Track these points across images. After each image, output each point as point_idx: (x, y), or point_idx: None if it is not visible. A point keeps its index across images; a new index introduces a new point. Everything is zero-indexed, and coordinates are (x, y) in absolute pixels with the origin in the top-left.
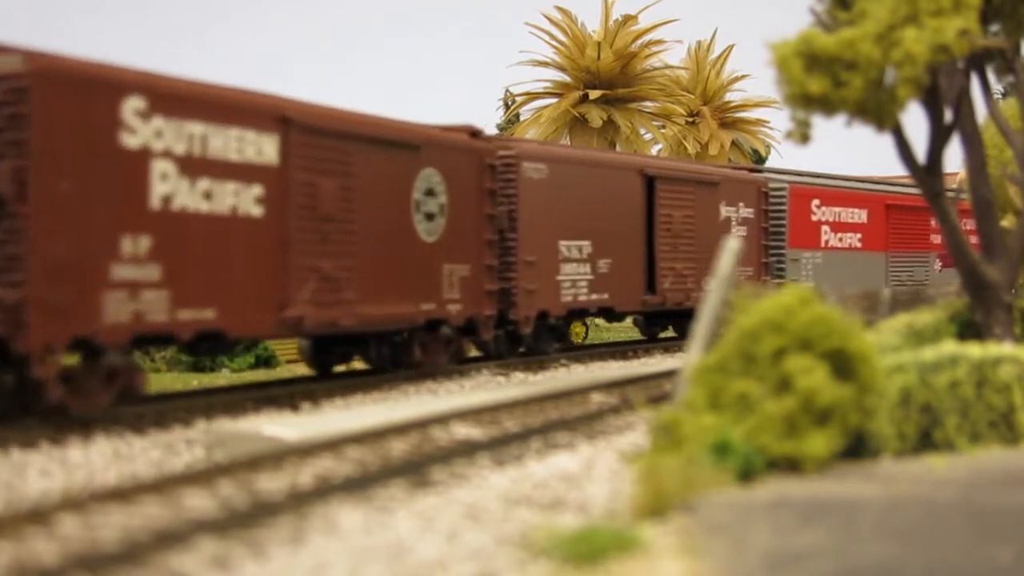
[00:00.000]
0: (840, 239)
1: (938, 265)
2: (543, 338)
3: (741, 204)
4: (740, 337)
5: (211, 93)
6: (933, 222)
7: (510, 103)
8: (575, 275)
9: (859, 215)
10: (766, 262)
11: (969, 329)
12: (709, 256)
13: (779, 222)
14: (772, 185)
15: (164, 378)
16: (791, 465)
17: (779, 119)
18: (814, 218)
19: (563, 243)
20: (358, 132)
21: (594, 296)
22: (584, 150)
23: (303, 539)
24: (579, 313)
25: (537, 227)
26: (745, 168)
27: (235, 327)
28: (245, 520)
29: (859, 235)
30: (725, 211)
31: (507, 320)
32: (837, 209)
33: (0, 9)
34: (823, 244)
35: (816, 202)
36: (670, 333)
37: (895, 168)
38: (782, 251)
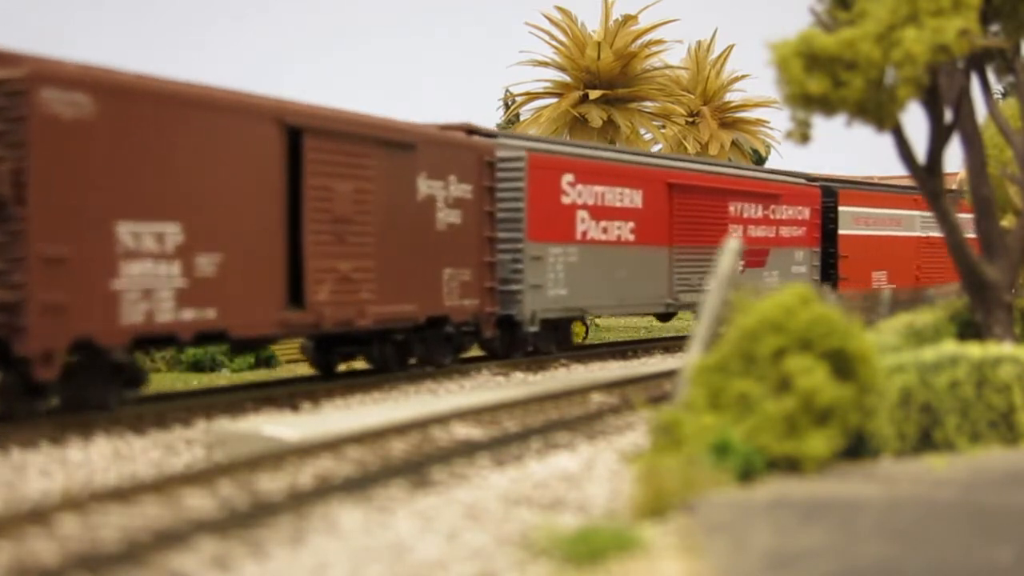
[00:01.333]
0: (605, 230)
1: (741, 264)
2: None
3: (453, 178)
4: (740, 337)
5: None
6: (734, 208)
7: (510, 103)
8: (151, 279)
9: (632, 197)
10: (492, 261)
11: (969, 329)
12: (400, 253)
13: (513, 204)
14: (503, 154)
15: (164, 378)
16: (791, 465)
17: (779, 119)
18: (566, 200)
19: (125, 226)
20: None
21: (188, 314)
22: (171, 82)
23: (303, 539)
24: (158, 342)
25: (72, 198)
26: (461, 128)
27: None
28: (245, 520)
29: (632, 224)
30: (426, 187)
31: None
32: (600, 189)
33: (0, 8)
34: (580, 236)
35: (569, 178)
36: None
37: (895, 168)
38: (518, 246)
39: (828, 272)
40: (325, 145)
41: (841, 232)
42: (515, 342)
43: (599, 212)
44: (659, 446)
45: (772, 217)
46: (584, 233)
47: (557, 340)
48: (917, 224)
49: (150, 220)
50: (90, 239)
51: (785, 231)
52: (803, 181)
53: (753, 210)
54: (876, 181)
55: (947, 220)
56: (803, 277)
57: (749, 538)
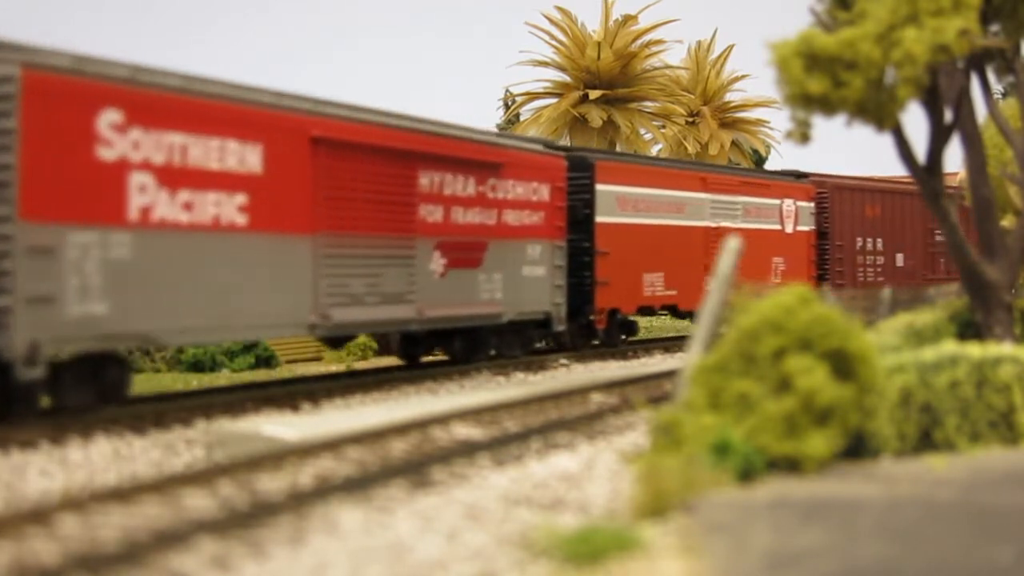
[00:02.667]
0: (187, 206)
1: (441, 264)
2: None
3: None
4: (740, 337)
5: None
6: (427, 180)
7: (510, 103)
8: None
9: (242, 156)
10: None
11: (969, 329)
12: None
13: None
14: None
15: (164, 378)
16: (791, 465)
17: (779, 119)
18: (108, 154)
19: None
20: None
21: None
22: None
23: (303, 539)
24: None
25: None
26: None
27: None
28: (245, 520)
29: (242, 199)
30: None
31: None
32: (177, 139)
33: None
34: (135, 216)
35: (113, 118)
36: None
37: (895, 168)
38: (2, 230)
39: (583, 276)
40: None
41: (600, 220)
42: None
43: (175, 177)
44: (659, 446)
45: (491, 196)
46: (145, 211)
47: (96, 391)
48: (707, 210)
49: None
50: None
51: (512, 217)
52: (540, 148)
53: (460, 184)
54: (656, 156)
55: (947, 220)
56: (540, 284)
57: (749, 538)
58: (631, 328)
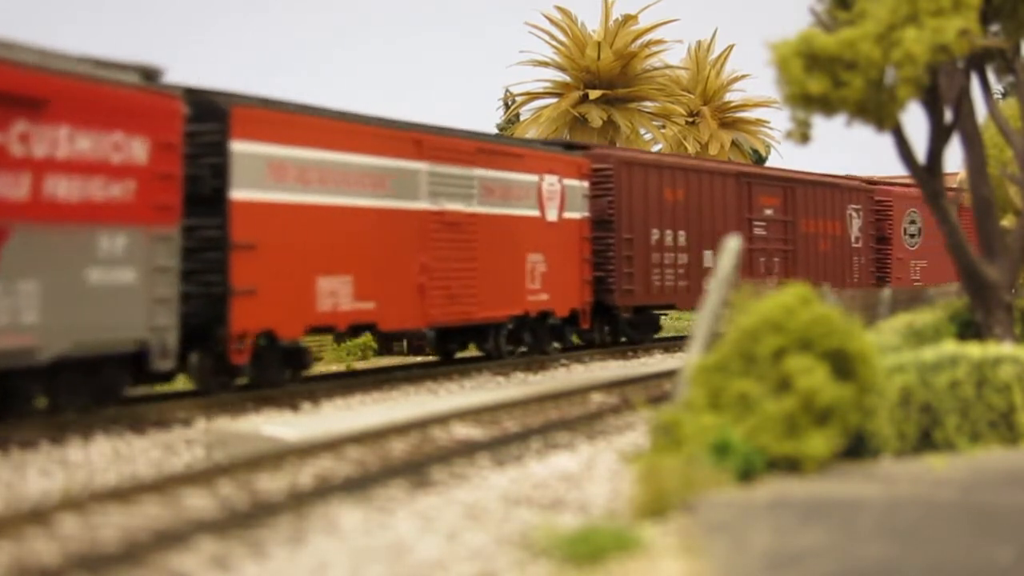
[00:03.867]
0: None
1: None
2: None
3: None
4: (740, 337)
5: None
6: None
7: (510, 103)
8: None
9: None
10: None
11: (969, 329)
12: None
13: None
14: None
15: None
16: (791, 465)
17: (779, 119)
18: None
19: None
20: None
21: None
22: None
23: (303, 539)
24: None
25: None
26: None
27: None
28: (245, 520)
29: None
30: None
31: None
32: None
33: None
34: None
35: None
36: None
37: (895, 168)
38: None
39: (211, 282)
40: None
41: (239, 196)
42: None
43: None
44: (659, 446)
45: (18, 152)
46: None
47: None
48: (424, 187)
49: None
50: None
51: (66, 187)
52: (132, 78)
53: None
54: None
55: (947, 220)
56: (126, 297)
57: (749, 538)
58: (302, 360)
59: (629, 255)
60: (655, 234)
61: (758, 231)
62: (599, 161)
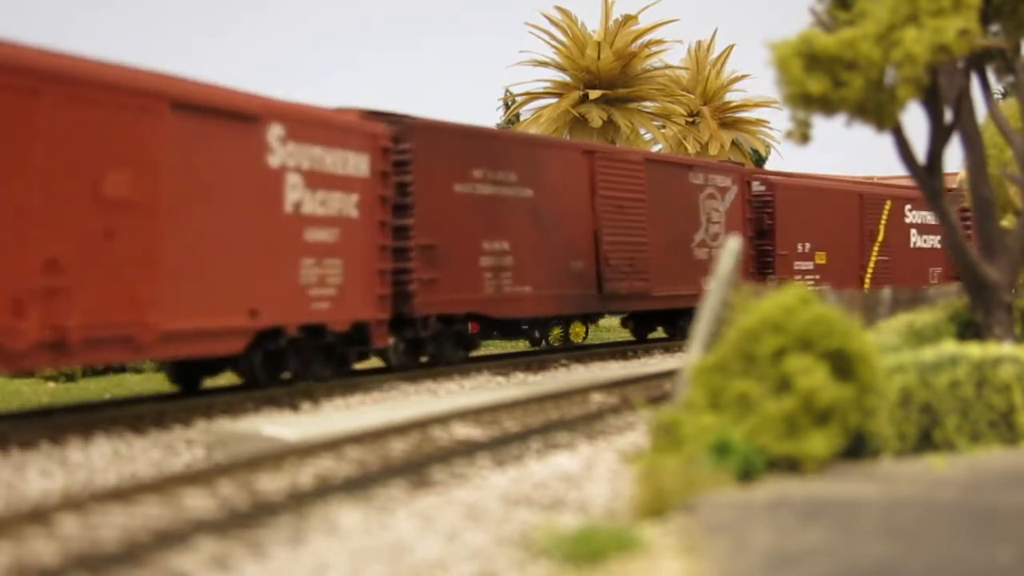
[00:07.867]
0: None
1: None
2: None
3: None
4: (740, 337)
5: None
6: None
7: (510, 103)
8: None
9: None
10: None
11: (969, 329)
12: None
13: None
14: None
15: (164, 378)
16: (791, 465)
17: (779, 119)
18: None
19: None
20: None
21: None
22: None
23: (303, 539)
24: None
25: None
26: None
27: None
28: (245, 520)
29: None
30: None
31: None
32: None
33: (1, 6)
34: None
35: None
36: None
37: (895, 168)
38: None
39: None
40: None
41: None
42: None
43: None
44: (659, 446)
45: None
46: None
47: None
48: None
49: None
50: None
51: None
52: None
53: None
54: None
55: (947, 220)
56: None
57: (749, 538)
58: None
59: (430, 252)
60: (459, 231)
61: (610, 238)
62: (397, 129)
